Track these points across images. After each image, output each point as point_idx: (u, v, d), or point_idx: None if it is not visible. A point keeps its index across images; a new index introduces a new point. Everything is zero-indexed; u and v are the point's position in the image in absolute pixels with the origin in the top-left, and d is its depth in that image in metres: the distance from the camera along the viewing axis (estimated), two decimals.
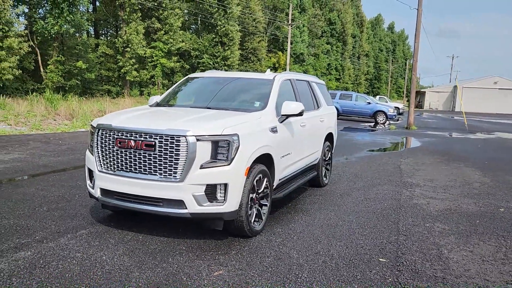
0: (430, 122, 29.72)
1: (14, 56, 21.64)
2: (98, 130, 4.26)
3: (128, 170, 4.05)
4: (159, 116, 4.73)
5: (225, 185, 3.94)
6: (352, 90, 64.12)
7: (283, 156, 5.03)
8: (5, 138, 10.80)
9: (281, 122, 4.99)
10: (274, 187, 4.92)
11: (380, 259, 3.95)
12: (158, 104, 5.60)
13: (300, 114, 5.06)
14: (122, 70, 31.83)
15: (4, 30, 21.01)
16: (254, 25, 43.53)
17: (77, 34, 29.47)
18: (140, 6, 31.88)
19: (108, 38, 38.97)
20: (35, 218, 4.66)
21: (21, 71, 23.04)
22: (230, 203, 3.98)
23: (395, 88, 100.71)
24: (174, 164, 3.87)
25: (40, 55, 25.95)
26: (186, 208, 3.90)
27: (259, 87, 5.54)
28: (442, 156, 11.50)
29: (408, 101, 24.29)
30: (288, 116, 5.06)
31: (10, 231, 4.22)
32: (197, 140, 3.85)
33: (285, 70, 41.46)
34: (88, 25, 30.16)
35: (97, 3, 35.39)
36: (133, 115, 4.57)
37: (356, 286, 3.37)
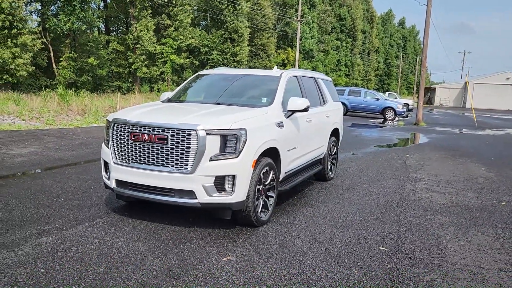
0: (439, 118, 29.67)
1: (28, 53, 22.10)
2: (114, 125, 4.50)
3: (141, 162, 4.30)
4: (171, 111, 4.96)
5: (233, 176, 4.16)
6: (362, 86, 64.05)
7: (289, 150, 5.23)
8: (21, 133, 11.15)
9: (287, 118, 5.20)
10: (280, 179, 5.13)
11: (381, 248, 4.15)
12: (169, 100, 5.84)
13: (306, 109, 5.27)
14: (132, 67, 32.24)
15: (18, 27, 21.46)
16: (264, 21, 43.63)
17: (89, 31, 29.95)
18: (150, 3, 32.22)
19: (119, 35, 39.43)
20: (54, 208, 4.93)
21: (34, 67, 23.51)
22: (238, 194, 4.21)
23: (406, 85, 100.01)
24: (185, 157, 4.10)
25: (53, 51, 26.44)
26: (196, 198, 4.13)
27: (266, 83, 5.75)
28: (448, 152, 11.61)
29: (418, 97, 24.29)
30: (294, 111, 5.26)
31: (32, 219, 4.50)
32: (207, 134, 4.07)
33: (294, 66, 41.54)
34: (99, 22, 30.62)
35: (108, 0, 35.80)
36: (146, 110, 4.80)
37: (356, 271, 3.58)
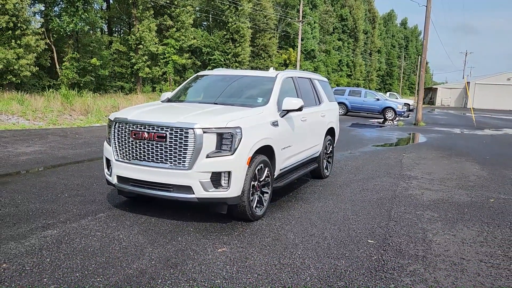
0: (439, 118, 29.81)
1: (31, 54, 22.37)
2: (115, 123, 4.73)
3: (142, 159, 4.52)
4: (170, 110, 5.19)
5: (229, 172, 4.38)
6: (364, 87, 64.15)
7: (283, 148, 5.45)
8: (26, 132, 11.40)
9: (282, 117, 5.41)
10: (275, 176, 5.35)
11: (369, 241, 4.36)
12: (169, 100, 6.06)
13: (300, 109, 5.48)
14: (135, 67, 32.49)
15: (22, 28, 21.73)
16: (265, 22, 43.81)
17: (91, 32, 30.22)
18: (152, 4, 32.46)
19: (121, 36, 39.71)
20: (58, 203, 5.16)
21: (37, 68, 23.78)
22: (233, 189, 4.42)
23: (408, 85, 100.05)
24: (183, 154, 4.32)
25: (56, 52, 26.70)
26: (194, 193, 4.36)
27: (262, 84, 5.96)
28: (445, 151, 11.80)
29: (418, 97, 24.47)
30: (288, 111, 5.47)
31: (37, 214, 4.72)
32: (204, 132, 4.29)
33: (296, 67, 41.75)
34: (102, 22, 30.90)
35: (111, 1, 36.09)
36: (146, 110, 5.03)
37: (343, 262, 3.79)
